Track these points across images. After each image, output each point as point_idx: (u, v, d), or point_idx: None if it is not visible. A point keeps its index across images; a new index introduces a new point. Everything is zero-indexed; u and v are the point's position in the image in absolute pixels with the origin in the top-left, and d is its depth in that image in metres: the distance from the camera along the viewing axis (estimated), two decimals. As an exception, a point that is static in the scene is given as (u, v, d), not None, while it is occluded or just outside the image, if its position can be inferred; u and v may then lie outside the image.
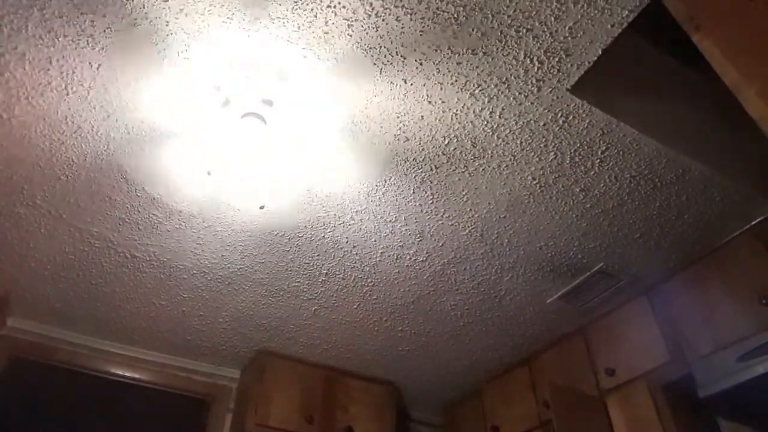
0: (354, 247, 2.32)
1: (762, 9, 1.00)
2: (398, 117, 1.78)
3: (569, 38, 1.54)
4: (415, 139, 1.86)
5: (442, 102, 1.73)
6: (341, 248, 2.33)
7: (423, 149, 1.89)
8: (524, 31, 1.53)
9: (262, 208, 2.02)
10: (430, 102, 1.73)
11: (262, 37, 1.54)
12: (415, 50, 1.58)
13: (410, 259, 2.37)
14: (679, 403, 2.14)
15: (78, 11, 1.48)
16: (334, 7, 1.46)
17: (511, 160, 1.93)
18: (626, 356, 2.40)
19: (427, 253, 2.34)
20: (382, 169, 1.98)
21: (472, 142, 1.86)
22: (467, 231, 2.22)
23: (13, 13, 1.48)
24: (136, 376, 2.91)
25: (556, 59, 1.60)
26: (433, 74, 1.65)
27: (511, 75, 1.65)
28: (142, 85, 1.69)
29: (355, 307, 2.65)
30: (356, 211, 2.15)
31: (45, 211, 2.12)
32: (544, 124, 1.80)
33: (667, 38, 1.49)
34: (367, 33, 1.53)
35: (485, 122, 1.80)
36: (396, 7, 1.46)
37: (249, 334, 2.84)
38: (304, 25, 1.51)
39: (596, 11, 1.47)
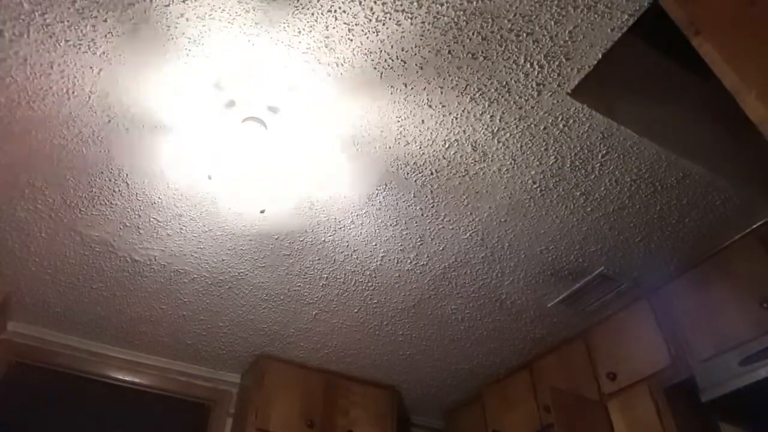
0: (354, 251, 2.32)
1: (762, 13, 1.00)
2: (398, 121, 1.79)
3: (569, 42, 1.55)
4: (416, 142, 1.86)
5: (443, 106, 1.74)
6: (342, 252, 2.32)
7: (423, 153, 1.89)
8: (524, 35, 1.53)
9: (262, 212, 2.03)
10: (430, 106, 1.73)
11: (263, 41, 1.54)
12: (415, 54, 1.58)
13: (411, 263, 2.37)
14: (681, 407, 2.13)
15: (79, 16, 1.48)
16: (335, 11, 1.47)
17: (511, 163, 1.93)
18: (627, 360, 2.39)
19: (427, 257, 2.34)
20: (382, 173, 1.98)
21: (472, 145, 1.86)
22: (468, 235, 2.22)
23: (15, 18, 1.49)
24: (137, 380, 2.90)
25: (557, 63, 1.61)
26: (434, 78, 1.65)
27: (511, 79, 1.65)
28: (143, 89, 1.69)
29: (355, 311, 2.65)
30: (357, 215, 2.15)
31: (45, 215, 2.12)
32: (544, 128, 1.81)
33: (667, 42, 1.49)
34: (367, 37, 1.53)
35: (485, 126, 1.80)
36: (396, 11, 1.47)
37: (249, 339, 2.84)
38: (305, 30, 1.51)
39: (596, 15, 1.48)
